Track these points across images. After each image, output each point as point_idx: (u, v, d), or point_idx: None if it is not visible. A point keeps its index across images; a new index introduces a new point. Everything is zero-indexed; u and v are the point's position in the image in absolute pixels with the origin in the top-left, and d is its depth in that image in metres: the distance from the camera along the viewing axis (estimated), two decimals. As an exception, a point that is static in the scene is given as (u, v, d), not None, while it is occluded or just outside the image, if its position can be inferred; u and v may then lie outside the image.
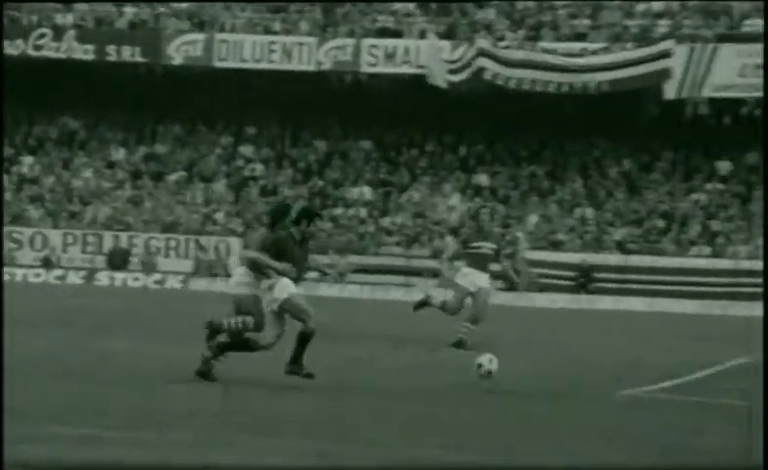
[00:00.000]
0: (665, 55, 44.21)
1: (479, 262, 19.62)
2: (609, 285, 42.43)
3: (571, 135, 48.61)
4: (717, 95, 44.90)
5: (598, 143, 48.65)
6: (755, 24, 45.22)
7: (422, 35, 47.43)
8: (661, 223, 45.29)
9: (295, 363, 13.32)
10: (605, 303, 40.45)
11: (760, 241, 43.44)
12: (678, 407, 13.37)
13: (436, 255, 42.62)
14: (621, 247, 44.36)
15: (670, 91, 44.48)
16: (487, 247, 19.72)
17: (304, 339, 13.28)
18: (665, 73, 44.23)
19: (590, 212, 46.16)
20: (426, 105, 48.00)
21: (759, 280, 41.00)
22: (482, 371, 13.68)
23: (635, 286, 41.88)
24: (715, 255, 43.39)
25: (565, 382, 15.53)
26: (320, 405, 12.20)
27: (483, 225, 20.01)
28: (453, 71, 46.03)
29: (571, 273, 42.81)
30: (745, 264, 41.98)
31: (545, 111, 47.06)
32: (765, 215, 14.64)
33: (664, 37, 45.26)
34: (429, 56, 46.48)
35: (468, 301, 19.87)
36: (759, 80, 43.25)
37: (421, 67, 46.55)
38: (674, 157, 47.87)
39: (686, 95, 44.84)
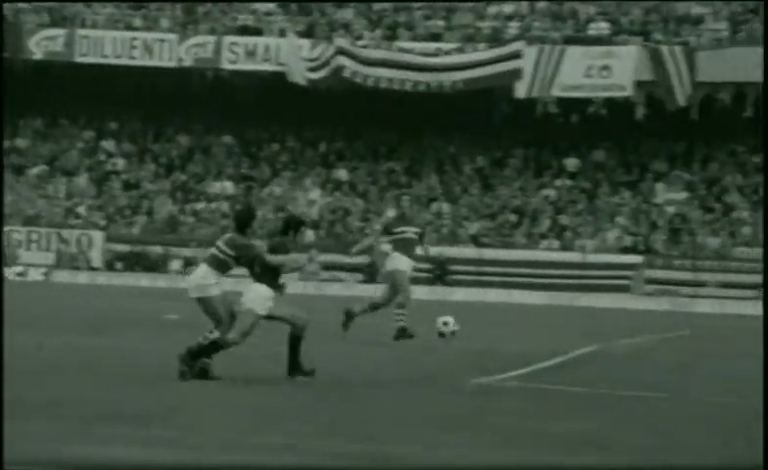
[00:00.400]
0: (516, 55, 45.73)
1: (405, 247, 20.05)
2: (464, 277, 43.64)
3: (428, 132, 49.83)
4: (565, 95, 46.54)
5: (453, 140, 49.94)
6: (600, 28, 47.15)
7: (282, 34, 48.20)
8: (513, 218, 46.67)
9: (295, 368, 13.91)
10: (461, 294, 41.59)
11: (607, 234, 45.35)
12: (528, 394, 14.05)
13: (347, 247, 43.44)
14: (476, 240, 45.69)
15: (521, 90, 45.98)
16: (411, 231, 20.38)
17: (295, 341, 13.91)
18: (516, 73, 45.73)
19: (446, 207, 47.37)
20: (287, 101, 48.72)
21: (605, 272, 42.86)
22: (446, 329, 14.34)
23: (489, 278, 43.12)
24: (564, 248, 44.94)
25: (421, 371, 15.98)
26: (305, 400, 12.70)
27: (405, 211, 20.60)
28: (312, 69, 46.89)
29: (428, 266, 43.96)
30: (592, 258, 43.70)
31: (402, 108, 48.20)
32: (765, 214, 15.43)
33: (515, 39, 46.77)
34: (288, 54, 47.25)
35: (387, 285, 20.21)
36: (604, 81, 45.21)
37: (281, 64, 47.31)
38: (525, 154, 49.41)
39: (536, 94, 46.35)
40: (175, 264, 44.46)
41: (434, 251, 44.30)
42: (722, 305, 40.49)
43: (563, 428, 11.41)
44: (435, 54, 46.71)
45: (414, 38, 48.12)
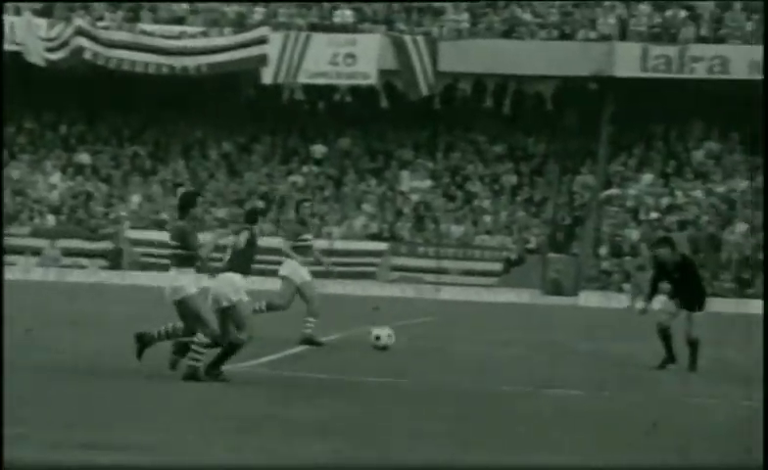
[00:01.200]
0: (261, 41, 45.63)
1: (304, 255, 19.58)
2: (211, 264, 43.22)
3: (173, 117, 49.20)
4: (311, 82, 46.73)
5: (199, 125, 49.47)
6: (345, 15, 47.43)
7: (18, 12, 46.67)
8: (261, 204, 46.58)
9: (216, 367, 13.50)
10: (207, 281, 41.24)
11: (354, 222, 45.70)
12: (276, 381, 14.11)
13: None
14: (224, 226, 45.33)
15: (267, 76, 45.93)
16: (311, 239, 19.90)
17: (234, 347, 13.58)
18: (262, 59, 45.63)
19: (191, 193, 46.88)
20: (25, 82, 47.27)
21: (353, 260, 43.19)
22: (379, 343, 13.92)
23: (235, 265, 42.90)
24: (310, 234, 45.08)
25: (165, 361, 15.60)
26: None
27: (305, 218, 20.11)
28: (50, 50, 45.63)
29: (167, 252, 43.38)
30: (339, 244, 43.99)
31: (147, 91, 47.44)
32: (765, 212, 15.40)
33: (260, 24, 46.64)
34: (25, 33, 45.82)
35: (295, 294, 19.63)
36: (349, 69, 45.56)
37: (18, 43, 45.85)
38: (272, 140, 49.36)
39: (282, 80, 46.39)
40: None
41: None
42: (465, 292, 41.32)
43: (308, 414, 11.46)
44: (178, 37, 46.14)
45: (157, 21, 47.37)
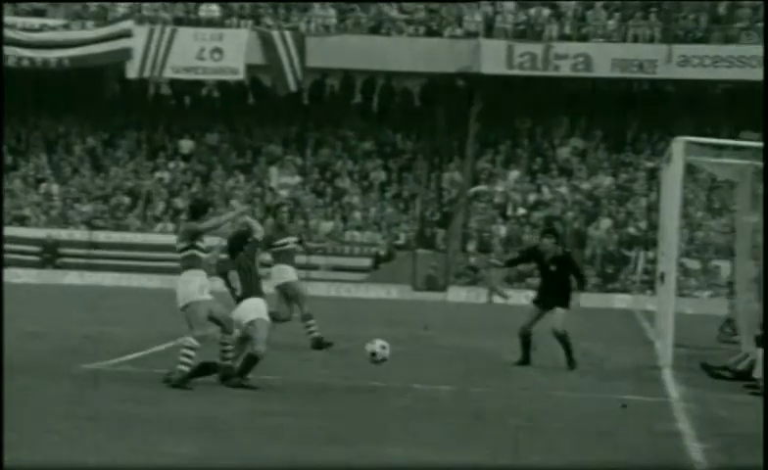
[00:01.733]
0: (126, 35, 45.07)
1: (286, 259, 19.46)
2: (76, 260, 42.70)
3: (35, 111, 48.31)
4: (177, 76, 46.30)
5: (62, 119, 48.64)
6: (211, 10, 47.03)
7: None
8: (127, 200, 46.02)
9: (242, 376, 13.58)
10: (72, 278, 40.72)
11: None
12: (139, 380, 13.95)
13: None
14: (88, 223, 44.73)
15: (132, 70, 45.39)
16: (291, 241, 19.67)
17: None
18: (126, 53, 45.07)
19: (55, 188, 46.12)
20: None
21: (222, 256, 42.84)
22: (377, 358, 13.90)
23: (101, 261, 42.40)
24: (178, 231, 44.63)
25: (29, 356, 15.59)
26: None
27: (283, 223, 19.87)
28: None
29: (36, 248, 42.77)
30: (207, 241, 43.59)
31: (7, 85, 46.44)
32: (765, 211, 15.42)
33: (124, 17, 46.05)
34: None
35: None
36: (216, 64, 45.23)
37: None
38: (138, 135, 48.74)
39: (147, 75, 45.88)
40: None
41: (42, 233, 43.49)
42: (334, 288, 41.31)
43: (176, 413, 11.37)
44: (40, 30, 45.33)
45: (18, 13, 46.45)
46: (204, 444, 9.65)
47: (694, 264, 41.43)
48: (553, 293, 17.13)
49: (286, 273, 19.52)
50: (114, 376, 13.98)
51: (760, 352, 15.63)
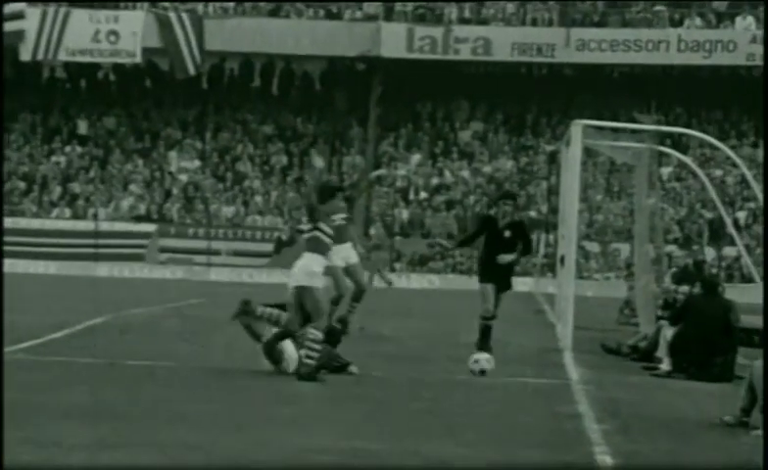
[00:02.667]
0: (18, 16, 44.33)
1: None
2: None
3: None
4: (72, 59, 45.67)
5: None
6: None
7: None
8: (22, 185, 45.33)
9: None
10: (-35, 266, 39.95)
11: (121, 203, 44.81)
12: (36, 367, 13.75)
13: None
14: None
15: (26, 53, 44.72)
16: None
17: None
18: (19, 35, 44.35)
19: (-52, 174, 45.27)
20: None
21: (119, 241, 42.45)
22: (476, 368, 13.87)
23: (-5, 248, 41.69)
24: (75, 216, 44.11)
25: None
26: None
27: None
28: None
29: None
30: (105, 226, 43.13)
31: None
32: (766, 209, 15.19)
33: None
34: None
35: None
36: (112, 46, 44.71)
37: None
38: (33, 119, 47.97)
39: (41, 57, 45.22)
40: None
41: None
42: (236, 273, 41.08)
43: (74, 400, 11.21)
44: None
45: None
46: (102, 431, 9.51)
47: (593, 247, 41.86)
48: (500, 274, 16.68)
49: (336, 259, 18.85)
50: (8, 364, 13.70)
51: (670, 331, 15.74)
